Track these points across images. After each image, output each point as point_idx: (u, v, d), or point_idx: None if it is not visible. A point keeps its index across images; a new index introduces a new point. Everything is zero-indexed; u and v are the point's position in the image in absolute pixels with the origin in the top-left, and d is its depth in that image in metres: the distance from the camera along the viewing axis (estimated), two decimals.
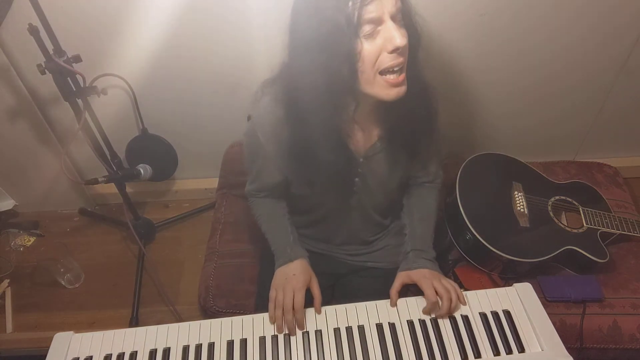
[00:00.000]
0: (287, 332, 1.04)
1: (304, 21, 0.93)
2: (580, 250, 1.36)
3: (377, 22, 0.89)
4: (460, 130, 1.80)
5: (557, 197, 1.51)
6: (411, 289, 1.14)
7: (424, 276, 1.10)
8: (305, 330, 1.04)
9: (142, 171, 1.67)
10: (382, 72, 0.92)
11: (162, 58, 1.56)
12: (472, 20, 1.46)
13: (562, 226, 1.43)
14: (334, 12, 0.87)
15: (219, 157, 1.73)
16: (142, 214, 1.93)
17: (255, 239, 1.55)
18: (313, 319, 1.07)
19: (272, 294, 1.10)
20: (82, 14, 1.45)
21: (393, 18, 0.89)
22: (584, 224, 1.43)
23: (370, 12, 0.87)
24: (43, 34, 1.30)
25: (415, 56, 0.99)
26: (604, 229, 1.43)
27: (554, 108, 1.74)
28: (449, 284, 1.09)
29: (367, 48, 0.90)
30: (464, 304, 1.07)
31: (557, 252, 1.35)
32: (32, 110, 1.69)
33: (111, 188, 1.74)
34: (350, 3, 0.86)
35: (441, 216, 1.55)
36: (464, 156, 1.58)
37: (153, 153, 1.83)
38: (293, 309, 1.05)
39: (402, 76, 0.94)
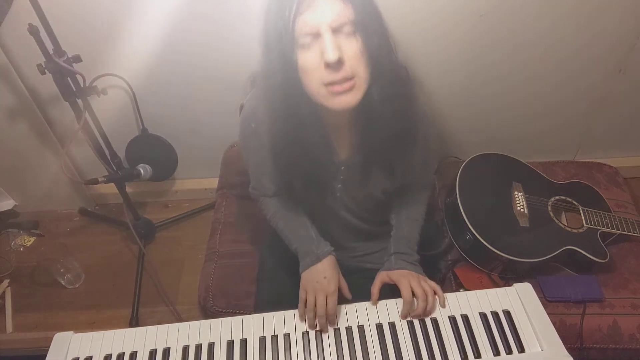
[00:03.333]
0: (318, 328, 1.03)
1: (262, 22, 0.90)
2: (580, 250, 1.36)
3: (314, 34, 0.84)
4: (460, 130, 1.80)
5: (557, 197, 1.51)
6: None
7: (402, 275, 1.10)
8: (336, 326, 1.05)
9: (142, 171, 1.67)
10: (327, 84, 0.89)
11: (162, 58, 1.57)
12: (472, 21, 1.46)
13: (562, 226, 1.43)
14: (275, 17, 0.85)
15: (219, 157, 1.73)
16: (142, 214, 1.93)
17: (255, 239, 1.55)
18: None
19: (302, 295, 1.08)
20: (82, 14, 1.45)
21: (336, 30, 0.84)
22: (584, 224, 1.43)
23: (305, 22, 0.83)
24: (43, 34, 1.30)
25: (381, 63, 0.90)
26: (604, 229, 1.43)
27: (554, 108, 1.74)
28: (428, 285, 1.08)
29: (304, 59, 0.86)
30: (443, 306, 1.07)
31: (557, 252, 1.35)
32: (32, 110, 1.69)
33: (111, 188, 1.74)
34: (286, 11, 0.82)
35: (441, 216, 1.55)
36: (464, 156, 1.58)
37: (153, 153, 1.84)
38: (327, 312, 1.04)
39: (348, 84, 0.87)
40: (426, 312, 1.05)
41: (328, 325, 1.04)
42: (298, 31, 0.84)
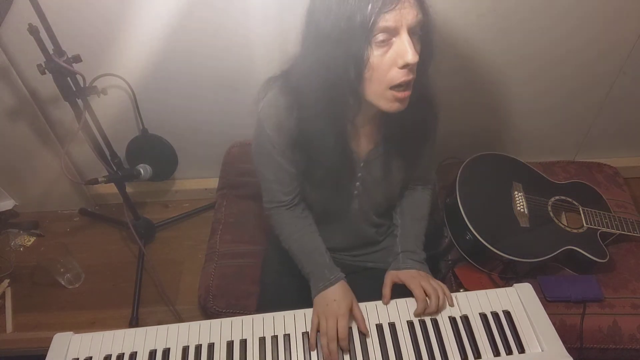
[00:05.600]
0: (330, 357, 1.00)
1: (321, 12, 0.89)
2: (580, 250, 1.36)
3: (393, 32, 0.85)
4: (460, 130, 1.80)
5: (557, 197, 1.51)
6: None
7: (412, 276, 1.11)
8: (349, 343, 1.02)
9: (142, 171, 1.67)
10: (393, 87, 0.91)
11: (162, 58, 1.56)
12: (473, 22, 1.46)
13: (562, 226, 1.43)
14: (352, 10, 0.84)
15: (219, 157, 1.73)
16: (142, 214, 1.93)
17: (255, 240, 1.55)
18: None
19: (315, 320, 1.04)
20: (82, 14, 1.45)
21: (410, 31, 0.86)
22: (584, 224, 1.43)
23: (387, 20, 0.84)
24: (43, 34, 1.29)
25: (425, 70, 0.96)
26: (604, 229, 1.43)
27: (554, 108, 1.74)
28: (437, 283, 1.09)
29: (377, 57, 0.87)
30: (452, 304, 1.07)
31: (557, 252, 1.35)
32: (32, 110, 1.69)
33: (111, 188, 1.74)
34: (369, 6, 0.82)
35: (441, 216, 1.55)
36: (464, 156, 1.58)
37: (153, 153, 1.83)
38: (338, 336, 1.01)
39: (408, 93, 0.92)
40: (439, 308, 1.06)
41: (341, 350, 1.00)
42: (377, 27, 0.85)
